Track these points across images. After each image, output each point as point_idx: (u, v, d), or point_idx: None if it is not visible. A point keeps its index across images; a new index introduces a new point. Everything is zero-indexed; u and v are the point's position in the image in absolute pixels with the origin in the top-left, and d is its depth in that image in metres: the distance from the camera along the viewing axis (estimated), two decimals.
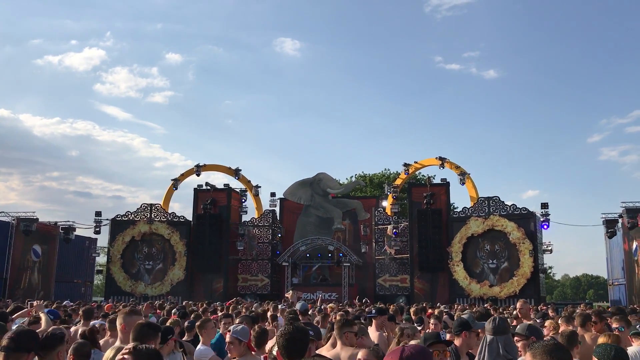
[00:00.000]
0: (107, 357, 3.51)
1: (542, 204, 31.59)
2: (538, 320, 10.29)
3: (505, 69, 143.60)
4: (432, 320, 8.50)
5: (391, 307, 14.39)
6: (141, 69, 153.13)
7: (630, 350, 5.09)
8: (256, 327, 6.25)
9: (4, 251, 32.13)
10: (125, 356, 3.02)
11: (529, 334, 4.52)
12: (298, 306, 10.90)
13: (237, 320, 7.47)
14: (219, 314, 11.55)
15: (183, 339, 7.84)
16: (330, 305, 13.36)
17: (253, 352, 5.04)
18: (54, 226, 36.17)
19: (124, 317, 5.00)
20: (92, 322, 8.17)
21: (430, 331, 7.37)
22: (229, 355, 5.08)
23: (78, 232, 37.21)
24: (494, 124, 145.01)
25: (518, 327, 4.91)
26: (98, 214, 35.87)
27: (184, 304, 17.44)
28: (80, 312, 9.02)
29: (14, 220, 33.13)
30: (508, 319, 9.83)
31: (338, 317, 6.69)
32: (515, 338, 4.74)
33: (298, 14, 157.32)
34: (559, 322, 8.11)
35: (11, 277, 32.18)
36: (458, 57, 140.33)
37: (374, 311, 7.91)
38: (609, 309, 12.63)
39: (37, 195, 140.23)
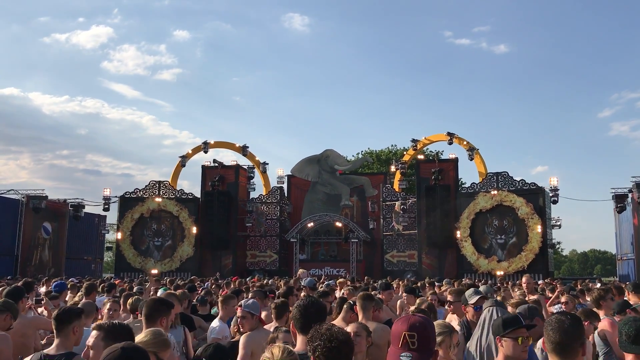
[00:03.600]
0: None
1: (550, 178, 31.45)
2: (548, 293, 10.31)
3: (515, 44, 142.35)
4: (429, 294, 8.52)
5: (400, 282, 14.44)
6: (149, 46, 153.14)
7: None
8: (276, 299, 6.27)
9: (15, 229, 32.43)
10: (93, 331, 3.04)
11: (529, 317, 4.50)
12: (305, 282, 10.93)
13: (249, 295, 7.48)
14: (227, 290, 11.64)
15: (197, 313, 7.89)
16: (340, 280, 13.40)
17: (264, 324, 5.06)
18: (63, 204, 36.42)
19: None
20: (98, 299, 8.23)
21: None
22: (240, 329, 5.08)
23: (87, 209, 37.51)
24: (504, 99, 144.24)
25: (519, 307, 4.93)
26: (107, 191, 36.03)
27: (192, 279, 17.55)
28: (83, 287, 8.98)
29: (23, 198, 33.35)
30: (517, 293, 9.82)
31: (358, 293, 6.71)
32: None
33: None
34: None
35: (22, 254, 32.51)
36: (468, 32, 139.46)
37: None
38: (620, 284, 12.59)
39: (47, 174, 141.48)
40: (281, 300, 5.86)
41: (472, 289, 5.70)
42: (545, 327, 2.68)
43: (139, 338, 3.37)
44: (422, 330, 2.23)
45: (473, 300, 5.29)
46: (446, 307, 7.08)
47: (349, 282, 13.02)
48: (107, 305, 5.78)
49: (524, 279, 9.32)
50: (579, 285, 14.67)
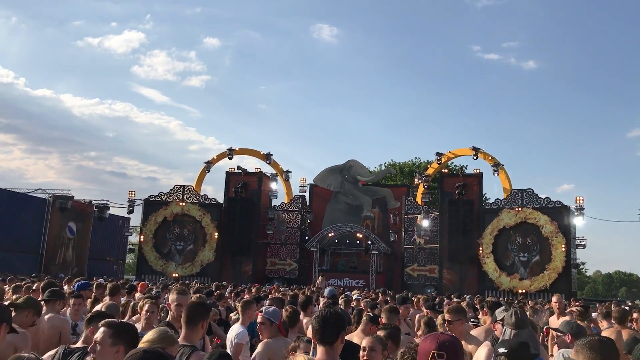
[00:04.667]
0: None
1: (576, 197, 30.97)
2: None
3: (545, 60, 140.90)
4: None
5: (420, 297, 14.31)
6: (179, 53, 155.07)
7: None
8: (288, 307, 6.28)
9: (41, 227, 32.99)
10: (101, 328, 3.09)
11: (571, 331, 4.41)
12: (326, 292, 10.89)
13: (267, 302, 7.50)
14: (246, 296, 11.66)
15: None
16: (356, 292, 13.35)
17: (283, 334, 5.07)
18: (88, 204, 36.95)
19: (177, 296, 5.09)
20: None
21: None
22: (259, 336, 5.10)
23: (112, 211, 37.97)
24: (531, 115, 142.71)
25: (561, 324, 4.81)
26: (132, 193, 36.46)
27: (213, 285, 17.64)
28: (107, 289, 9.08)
29: (50, 197, 33.93)
30: (541, 312, 9.66)
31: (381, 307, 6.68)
32: (556, 334, 4.68)
33: (337, 1, 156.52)
34: (598, 319, 7.93)
35: (47, 253, 33.03)
36: (497, 47, 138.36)
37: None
38: None
39: (75, 174, 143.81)
40: (292, 308, 5.88)
41: (502, 307, 5.42)
42: (581, 347, 2.58)
43: (146, 337, 3.44)
44: (452, 350, 2.19)
45: (501, 316, 5.02)
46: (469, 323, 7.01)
47: (372, 295, 12.95)
48: (146, 307, 5.77)
49: (554, 299, 8.90)
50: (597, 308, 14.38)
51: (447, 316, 5.58)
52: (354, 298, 10.88)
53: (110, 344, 3.03)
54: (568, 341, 4.48)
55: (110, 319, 3.26)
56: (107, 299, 8.06)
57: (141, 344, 3.28)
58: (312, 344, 3.48)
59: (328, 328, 3.26)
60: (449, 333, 2.40)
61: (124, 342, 3.08)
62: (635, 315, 7.13)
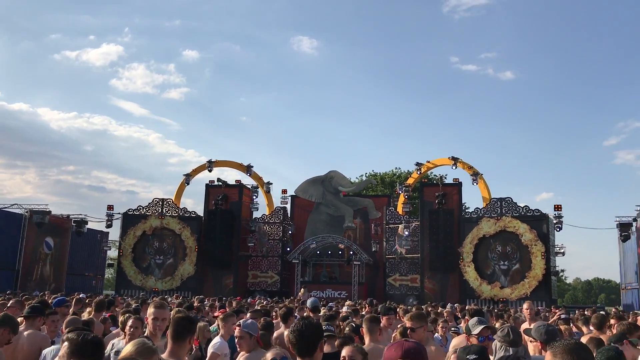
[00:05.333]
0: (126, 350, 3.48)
1: (555, 205, 31.30)
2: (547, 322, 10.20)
3: (522, 71, 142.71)
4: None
5: (401, 306, 14.32)
6: (158, 65, 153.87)
7: None
8: (262, 319, 6.23)
9: (17, 243, 32.38)
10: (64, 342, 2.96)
11: (540, 338, 4.39)
12: (309, 303, 10.80)
13: (248, 315, 7.42)
14: (228, 309, 11.53)
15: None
16: (348, 302, 13.38)
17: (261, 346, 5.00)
18: (66, 219, 36.42)
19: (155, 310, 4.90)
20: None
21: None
22: (238, 349, 5.02)
23: (90, 225, 37.45)
24: (509, 125, 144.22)
25: (533, 328, 4.79)
26: (110, 207, 36.05)
27: (193, 299, 17.46)
28: (93, 304, 8.98)
29: (26, 212, 33.37)
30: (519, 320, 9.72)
31: (366, 315, 6.63)
32: (529, 339, 4.64)
33: (316, 13, 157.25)
34: (578, 324, 8.00)
35: (23, 268, 32.41)
36: (475, 58, 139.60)
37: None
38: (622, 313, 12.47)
39: (53, 189, 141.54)
40: (286, 307, 5.83)
41: (475, 318, 5.25)
42: (559, 351, 2.58)
43: (125, 350, 3.40)
44: (416, 356, 2.18)
45: (477, 330, 4.85)
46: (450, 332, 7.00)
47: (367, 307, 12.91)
48: (129, 322, 5.62)
49: (525, 306, 9.06)
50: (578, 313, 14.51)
51: (408, 323, 5.37)
52: (344, 310, 10.84)
53: None
54: (540, 347, 4.46)
55: (71, 334, 3.16)
56: (85, 314, 7.94)
57: (120, 357, 3.25)
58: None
59: (305, 340, 3.25)
60: (413, 340, 2.38)
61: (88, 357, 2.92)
62: (612, 321, 7.19)
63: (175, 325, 4.05)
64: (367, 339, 5.21)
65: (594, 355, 2.67)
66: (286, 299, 20.87)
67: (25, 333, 5.72)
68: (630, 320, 7.72)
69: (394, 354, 2.22)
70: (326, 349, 4.56)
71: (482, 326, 4.86)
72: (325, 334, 4.59)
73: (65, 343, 2.81)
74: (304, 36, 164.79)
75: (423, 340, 5.09)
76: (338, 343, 4.96)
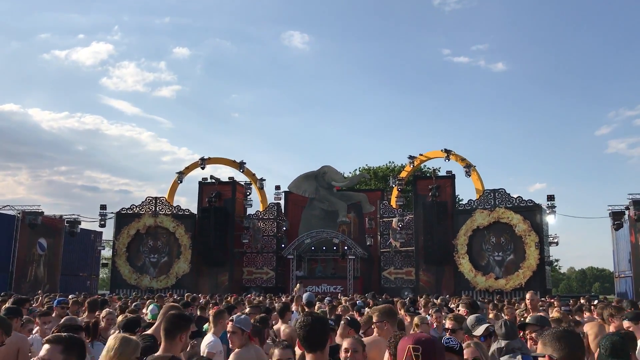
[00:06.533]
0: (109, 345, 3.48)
1: (548, 196, 31.47)
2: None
3: (514, 62, 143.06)
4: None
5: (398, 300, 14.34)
6: (149, 63, 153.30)
7: None
8: (257, 316, 6.21)
9: (10, 245, 32.21)
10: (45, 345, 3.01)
11: (541, 324, 4.42)
12: (304, 298, 10.80)
13: (246, 311, 7.42)
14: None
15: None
16: (345, 298, 13.43)
17: (253, 341, 4.98)
18: (59, 219, 36.26)
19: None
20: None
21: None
22: (230, 345, 5.00)
23: (83, 225, 37.32)
24: (502, 117, 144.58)
25: (529, 318, 4.82)
26: (103, 207, 35.95)
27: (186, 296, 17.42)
28: (86, 303, 8.97)
29: (19, 213, 33.20)
30: (517, 311, 9.75)
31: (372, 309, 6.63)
32: (527, 329, 4.66)
33: (307, 8, 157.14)
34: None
35: (17, 270, 32.27)
36: (466, 50, 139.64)
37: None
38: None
39: (45, 190, 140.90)
40: (284, 302, 5.81)
41: (474, 317, 5.04)
42: (548, 339, 2.62)
43: (107, 345, 3.47)
44: (427, 346, 2.20)
45: (479, 331, 4.63)
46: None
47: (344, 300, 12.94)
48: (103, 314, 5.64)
49: (528, 295, 9.08)
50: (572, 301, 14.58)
51: (374, 317, 5.34)
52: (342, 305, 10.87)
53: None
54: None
55: (56, 334, 3.17)
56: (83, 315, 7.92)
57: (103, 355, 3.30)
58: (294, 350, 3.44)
59: (315, 335, 3.26)
60: (426, 333, 2.41)
61: (75, 356, 3.01)
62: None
63: (167, 323, 4.04)
64: (376, 332, 5.21)
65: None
66: (282, 295, 20.87)
67: None
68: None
69: (405, 342, 2.27)
70: None
71: (485, 325, 4.76)
72: None
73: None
74: (295, 31, 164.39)
75: (388, 334, 4.88)
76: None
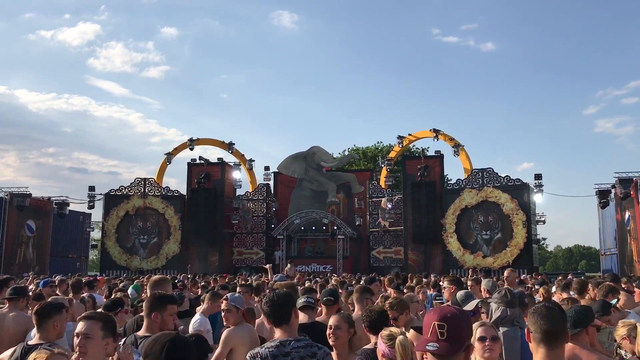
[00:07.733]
0: None
1: (535, 175, 31.74)
2: (537, 287, 10.36)
3: (503, 42, 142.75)
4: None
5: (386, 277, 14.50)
6: (136, 44, 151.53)
7: None
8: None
9: None
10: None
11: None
12: (276, 278, 11.00)
13: (237, 290, 7.51)
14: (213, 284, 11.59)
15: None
16: (335, 278, 13.58)
17: (246, 319, 5.06)
18: (47, 201, 36.07)
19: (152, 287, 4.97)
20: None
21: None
22: (224, 323, 5.08)
23: (72, 207, 37.17)
24: (490, 96, 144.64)
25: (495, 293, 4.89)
26: (92, 188, 35.78)
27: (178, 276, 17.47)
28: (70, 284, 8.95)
29: (7, 195, 33.00)
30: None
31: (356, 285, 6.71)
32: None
33: None
34: (555, 290, 8.16)
35: (6, 252, 32.18)
36: (456, 30, 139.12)
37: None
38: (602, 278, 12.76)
39: (33, 172, 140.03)
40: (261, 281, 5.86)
41: (463, 292, 5.06)
42: (532, 316, 2.67)
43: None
44: (453, 321, 2.16)
45: (469, 306, 4.63)
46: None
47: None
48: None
49: (506, 273, 9.14)
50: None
51: (354, 296, 5.47)
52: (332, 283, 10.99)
53: (102, 337, 3.10)
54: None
55: (93, 312, 3.27)
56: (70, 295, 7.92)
57: None
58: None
59: (278, 309, 3.46)
60: (455, 307, 2.38)
61: (111, 334, 3.18)
62: (590, 287, 7.34)
63: (147, 302, 4.08)
64: (357, 308, 5.31)
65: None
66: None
67: (10, 315, 5.70)
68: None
69: (431, 317, 2.21)
70: (304, 318, 4.65)
71: (476, 301, 4.81)
72: (302, 304, 4.76)
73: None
74: (284, 10, 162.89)
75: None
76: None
